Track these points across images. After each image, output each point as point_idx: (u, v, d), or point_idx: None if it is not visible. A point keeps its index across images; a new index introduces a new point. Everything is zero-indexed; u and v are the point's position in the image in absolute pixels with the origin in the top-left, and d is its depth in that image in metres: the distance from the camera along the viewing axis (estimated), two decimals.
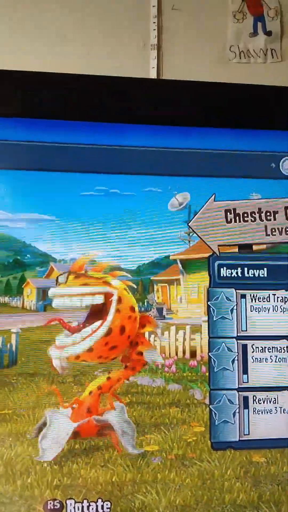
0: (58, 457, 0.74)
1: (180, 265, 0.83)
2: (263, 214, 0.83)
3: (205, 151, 0.83)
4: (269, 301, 0.82)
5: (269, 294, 0.82)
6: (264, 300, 0.82)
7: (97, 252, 0.78)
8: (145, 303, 0.82)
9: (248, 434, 0.79)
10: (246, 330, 0.81)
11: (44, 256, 0.78)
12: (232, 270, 0.82)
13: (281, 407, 0.80)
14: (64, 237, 0.78)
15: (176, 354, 0.82)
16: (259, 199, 0.84)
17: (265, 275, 0.82)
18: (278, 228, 0.83)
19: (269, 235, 0.83)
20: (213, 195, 0.82)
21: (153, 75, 1.11)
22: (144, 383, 0.80)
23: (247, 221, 0.83)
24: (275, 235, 0.83)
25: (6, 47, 1.02)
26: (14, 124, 0.79)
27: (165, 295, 0.83)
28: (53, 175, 0.79)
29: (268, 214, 0.83)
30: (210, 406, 0.79)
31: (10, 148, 0.79)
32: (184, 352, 0.83)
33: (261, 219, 0.83)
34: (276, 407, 0.80)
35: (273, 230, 0.83)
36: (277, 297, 0.82)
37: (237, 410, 0.79)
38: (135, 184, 0.81)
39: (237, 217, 0.83)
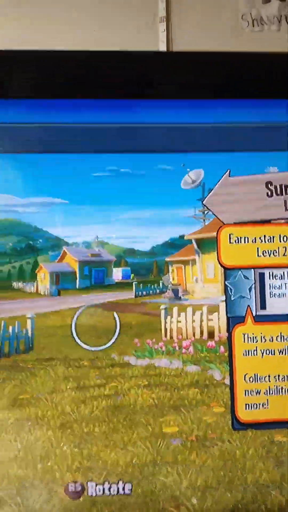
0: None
1: (195, 245, 0.81)
2: (281, 188, 0.80)
3: (218, 125, 0.80)
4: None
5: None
6: (282, 278, 0.79)
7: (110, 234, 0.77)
8: (160, 285, 0.80)
9: None
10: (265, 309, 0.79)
11: (56, 240, 0.77)
12: None
13: None
14: (76, 220, 0.77)
15: (194, 335, 0.81)
16: (276, 172, 0.80)
17: (285, 253, 0.79)
18: None
19: None
20: (228, 171, 0.79)
21: (162, 48, 1.07)
22: (162, 365, 0.80)
23: (264, 195, 0.80)
24: None
25: (11, 23, 0.99)
26: (21, 106, 0.77)
27: (180, 276, 0.81)
28: (62, 157, 0.77)
29: (287, 188, 0.80)
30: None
31: (18, 131, 0.77)
32: (201, 333, 0.81)
33: (277, 194, 0.80)
34: None
35: None
36: None
37: None
38: (146, 163, 0.78)
39: (254, 192, 0.80)
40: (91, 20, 1.03)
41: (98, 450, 0.75)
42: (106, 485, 0.74)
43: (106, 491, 0.74)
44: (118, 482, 0.74)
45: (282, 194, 0.80)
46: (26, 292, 0.78)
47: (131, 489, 0.74)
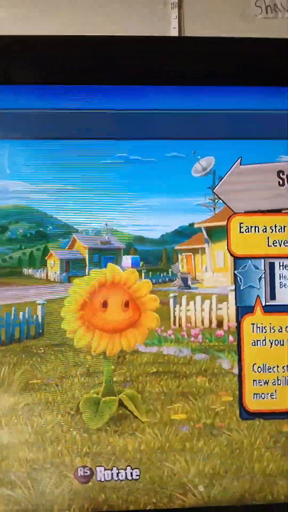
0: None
1: (205, 233, 0.80)
2: None
3: (229, 112, 0.79)
4: None
5: None
6: None
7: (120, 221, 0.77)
8: (170, 273, 0.80)
9: None
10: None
11: (66, 227, 0.77)
12: None
13: None
14: (86, 207, 0.77)
15: (202, 324, 0.81)
16: None
17: None
18: None
19: None
20: (239, 159, 0.79)
21: (174, 35, 1.06)
22: (170, 353, 0.80)
23: (275, 184, 0.79)
24: None
25: (21, 10, 0.99)
26: (30, 92, 0.77)
27: (189, 264, 0.81)
28: (72, 144, 0.77)
29: None
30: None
31: (28, 117, 0.77)
32: (210, 322, 0.81)
33: None
34: None
35: None
36: None
37: None
38: (157, 150, 0.78)
39: (266, 181, 0.79)
40: (100, 9, 1.03)
41: (107, 436, 0.75)
42: (115, 471, 0.75)
43: (115, 476, 0.75)
44: (126, 468, 0.75)
45: None
46: (36, 279, 0.79)
47: (139, 475, 0.75)
